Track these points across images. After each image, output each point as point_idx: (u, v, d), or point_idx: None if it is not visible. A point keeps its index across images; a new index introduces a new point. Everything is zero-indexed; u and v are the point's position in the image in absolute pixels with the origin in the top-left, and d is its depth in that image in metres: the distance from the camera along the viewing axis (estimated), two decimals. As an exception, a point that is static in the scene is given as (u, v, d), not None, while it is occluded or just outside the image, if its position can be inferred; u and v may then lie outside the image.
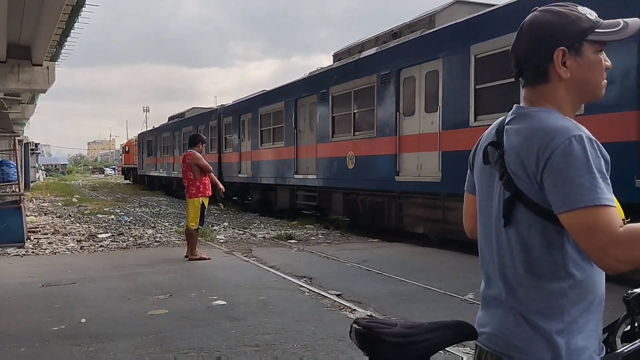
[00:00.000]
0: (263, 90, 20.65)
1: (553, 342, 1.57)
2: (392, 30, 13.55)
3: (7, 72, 20.67)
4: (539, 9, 1.69)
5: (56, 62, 22.79)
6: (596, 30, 1.63)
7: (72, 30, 19.01)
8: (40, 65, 21.23)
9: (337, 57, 16.05)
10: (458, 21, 10.85)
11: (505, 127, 1.71)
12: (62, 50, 21.75)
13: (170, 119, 35.11)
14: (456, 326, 1.71)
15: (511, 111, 1.74)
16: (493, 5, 10.58)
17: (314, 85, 15.91)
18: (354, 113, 13.94)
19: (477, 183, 1.84)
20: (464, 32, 10.53)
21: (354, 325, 1.71)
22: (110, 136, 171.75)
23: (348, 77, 14.02)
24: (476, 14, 10.42)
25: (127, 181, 52.33)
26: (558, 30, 1.63)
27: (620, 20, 1.66)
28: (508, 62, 4.54)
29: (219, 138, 23.59)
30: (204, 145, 10.35)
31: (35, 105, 37.73)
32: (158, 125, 38.39)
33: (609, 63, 1.69)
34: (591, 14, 1.66)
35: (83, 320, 6.01)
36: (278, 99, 18.18)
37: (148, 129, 47.39)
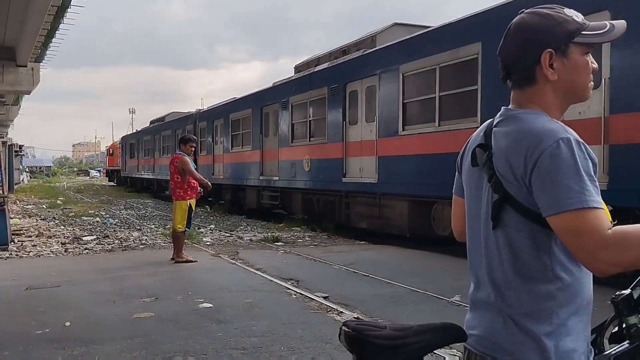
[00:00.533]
0: (234, 98, 21.98)
1: (542, 344, 1.57)
2: (342, 48, 15.23)
3: (-9, 73, 20.49)
4: (526, 11, 1.69)
5: (41, 64, 22.62)
6: (583, 32, 1.63)
7: (57, 32, 18.88)
8: (25, 66, 21.06)
9: (297, 69, 17.56)
10: (390, 44, 12.51)
11: (494, 129, 1.70)
12: (48, 52, 21.59)
13: (151, 122, 36.41)
14: (445, 328, 1.71)
15: (499, 113, 1.74)
16: (428, 26, 12.23)
17: (277, 94, 17.40)
18: (310, 121, 15.51)
19: (465, 185, 1.84)
20: (394, 53, 12.14)
21: (343, 327, 1.70)
22: (96, 138, 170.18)
23: (305, 89, 15.55)
24: (403, 39, 12.11)
25: (112, 183, 53.00)
26: (545, 33, 1.63)
27: (606, 22, 1.67)
28: (428, 80, 6.94)
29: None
30: (190, 145, 10.20)
31: (20, 106, 37.42)
32: (140, 129, 39.80)
33: (595, 65, 1.69)
34: (578, 16, 1.66)
35: (67, 323, 5.94)
36: (247, 106, 19.66)
37: (134, 131, 47.83)
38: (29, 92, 23.27)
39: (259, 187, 18.73)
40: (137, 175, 37.67)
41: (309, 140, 15.42)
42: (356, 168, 13.31)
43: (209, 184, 10.44)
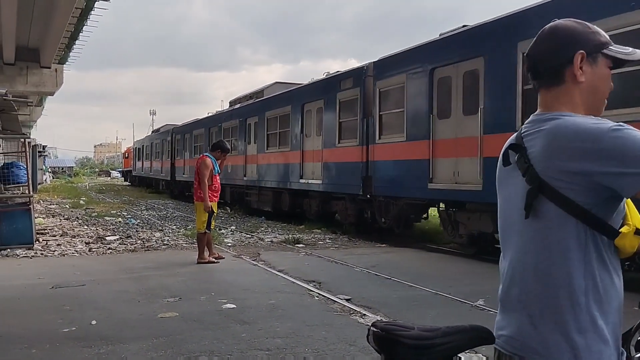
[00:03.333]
0: (196, 119, 31.19)
1: (573, 343, 1.55)
2: (250, 94, 23.74)
3: (16, 74, 20.78)
4: (561, 19, 1.75)
5: (64, 65, 22.89)
6: (610, 47, 1.70)
7: (80, 34, 19.11)
8: (49, 67, 21.33)
9: (231, 103, 26.41)
10: (261, 99, 21.19)
11: (524, 133, 1.71)
12: (71, 53, 21.84)
13: (153, 132, 46.75)
14: (474, 330, 1.72)
15: (529, 120, 1.75)
16: (300, 84, 19.62)
17: (217, 120, 26.23)
18: (231, 139, 23.22)
19: (498, 191, 1.83)
20: (263, 105, 20.53)
21: (371, 328, 1.72)
22: (117, 139, 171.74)
23: (229, 119, 24.29)
24: (267, 97, 20.72)
25: (127, 183, 59.34)
26: (581, 36, 1.69)
27: (629, 47, 1.74)
28: (275, 122, 19.74)
29: (171, 149, 33.63)
30: (222, 152, 10.20)
31: (43, 107, 37.97)
32: (143, 137, 49.91)
33: (612, 85, 1.74)
34: (605, 33, 1.73)
35: (93, 322, 6.03)
36: (201, 126, 28.39)
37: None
38: (52, 94, 23.58)
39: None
40: (141, 175, 47.07)
41: (231, 152, 20.64)
42: (250, 171, 21.32)
43: (209, 204, 9.72)
